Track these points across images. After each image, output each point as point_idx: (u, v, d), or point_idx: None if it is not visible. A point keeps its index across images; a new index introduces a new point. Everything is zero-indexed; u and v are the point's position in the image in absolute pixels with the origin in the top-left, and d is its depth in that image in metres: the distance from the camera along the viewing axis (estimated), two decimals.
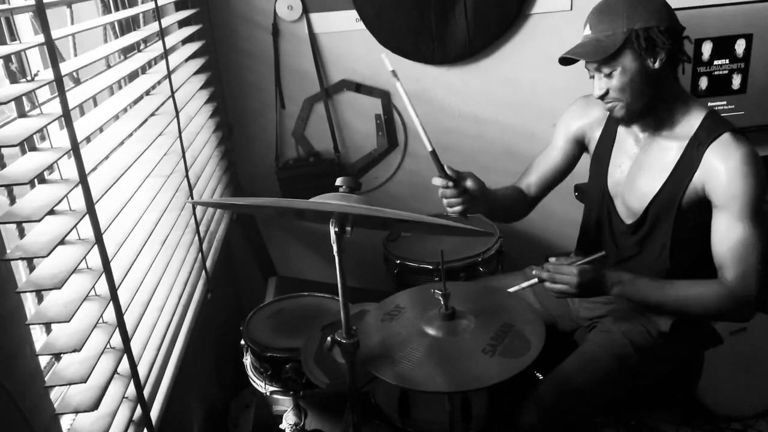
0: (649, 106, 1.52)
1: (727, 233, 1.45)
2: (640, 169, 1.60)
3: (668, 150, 1.54)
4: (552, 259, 1.52)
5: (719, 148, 1.46)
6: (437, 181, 1.58)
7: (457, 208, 1.59)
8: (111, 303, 1.24)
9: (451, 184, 1.57)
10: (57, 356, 1.21)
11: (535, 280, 1.54)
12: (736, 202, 1.43)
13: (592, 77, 1.54)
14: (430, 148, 1.54)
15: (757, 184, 1.43)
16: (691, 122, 1.52)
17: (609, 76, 1.49)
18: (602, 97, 1.53)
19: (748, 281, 1.45)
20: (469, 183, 1.59)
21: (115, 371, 1.24)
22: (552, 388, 1.56)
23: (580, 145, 1.78)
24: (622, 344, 1.60)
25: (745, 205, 1.43)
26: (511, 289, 1.56)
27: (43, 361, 1.20)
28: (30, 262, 1.20)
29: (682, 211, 1.53)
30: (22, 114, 1.15)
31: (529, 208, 1.85)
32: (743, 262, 1.44)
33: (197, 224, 1.93)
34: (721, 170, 1.45)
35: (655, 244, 1.60)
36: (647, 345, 1.61)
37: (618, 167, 1.66)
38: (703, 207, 1.50)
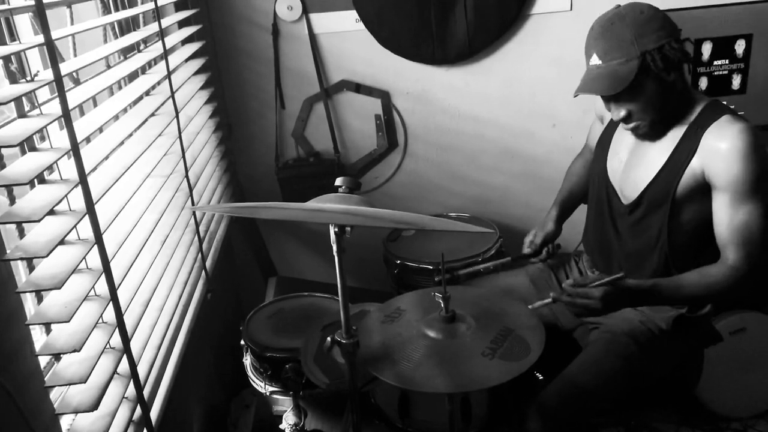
0: (669, 112, 1.52)
1: (730, 214, 1.44)
2: (637, 157, 1.60)
3: (666, 136, 1.54)
4: (568, 282, 1.47)
5: (718, 130, 1.45)
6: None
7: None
8: (111, 303, 1.24)
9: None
10: (57, 356, 1.21)
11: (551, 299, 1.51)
12: (738, 183, 1.42)
13: (608, 105, 1.52)
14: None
15: (758, 163, 1.41)
16: (692, 110, 1.52)
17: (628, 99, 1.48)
18: (625, 120, 1.51)
19: (752, 260, 1.44)
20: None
21: (114, 371, 1.24)
22: (556, 392, 1.55)
23: None
24: (626, 344, 1.60)
25: (747, 185, 1.42)
26: (531, 306, 1.51)
27: (43, 361, 1.20)
28: (30, 262, 1.20)
29: (679, 194, 1.51)
30: (22, 114, 1.16)
31: None
32: (747, 243, 1.44)
33: (197, 224, 1.93)
34: (721, 151, 1.43)
35: (652, 227, 1.58)
36: (650, 343, 1.61)
37: (616, 155, 1.67)
38: (702, 193, 1.49)
